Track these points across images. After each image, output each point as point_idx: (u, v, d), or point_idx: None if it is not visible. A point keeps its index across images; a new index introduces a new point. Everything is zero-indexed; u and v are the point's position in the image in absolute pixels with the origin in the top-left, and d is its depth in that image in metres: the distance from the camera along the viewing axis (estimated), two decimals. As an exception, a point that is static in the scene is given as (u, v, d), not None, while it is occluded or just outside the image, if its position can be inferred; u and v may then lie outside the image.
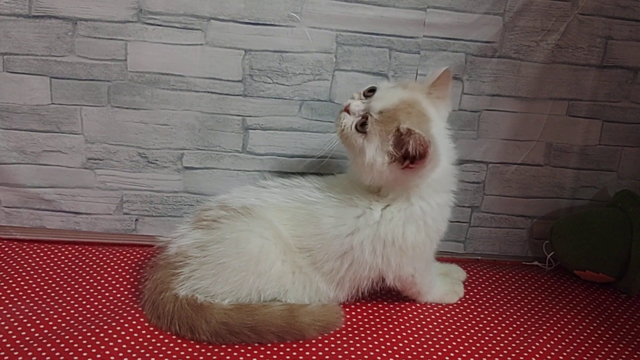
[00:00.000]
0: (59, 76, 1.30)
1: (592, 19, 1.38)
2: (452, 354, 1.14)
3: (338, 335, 1.16)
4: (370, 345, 1.14)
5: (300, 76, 1.35)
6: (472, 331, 1.22)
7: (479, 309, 1.30)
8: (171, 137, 1.37)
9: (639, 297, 1.40)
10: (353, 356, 1.10)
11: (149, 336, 1.10)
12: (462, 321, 1.25)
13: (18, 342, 1.06)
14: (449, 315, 1.27)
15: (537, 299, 1.36)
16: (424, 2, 1.32)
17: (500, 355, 1.14)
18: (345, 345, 1.13)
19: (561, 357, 1.15)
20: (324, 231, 1.17)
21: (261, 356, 1.08)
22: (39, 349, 1.04)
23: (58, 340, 1.06)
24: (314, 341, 1.13)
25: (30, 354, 1.02)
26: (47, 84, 1.31)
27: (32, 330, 1.09)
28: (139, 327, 1.12)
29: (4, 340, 1.06)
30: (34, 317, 1.13)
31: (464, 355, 1.14)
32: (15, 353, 1.03)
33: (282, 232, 1.18)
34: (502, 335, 1.21)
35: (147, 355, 1.05)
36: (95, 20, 1.27)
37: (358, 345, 1.13)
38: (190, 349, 1.08)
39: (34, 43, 1.28)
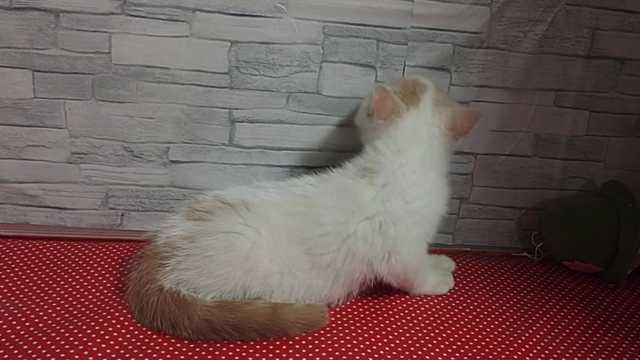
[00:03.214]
0: (41, 69, 1.28)
1: (580, 10, 1.38)
2: (441, 346, 1.14)
3: (323, 332, 1.15)
4: (358, 339, 1.13)
5: (287, 68, 1.34)
6: (462, 323, 1.22)
7: (468, 301, 1.30)
8: (157, 131, 1.36)
9: (627, 286, 1.41)
10: (337, 353, 1.09)
11: (136, 332, 1.09)
12: (451, 313, 1.25)
13: (3, 339, 1.04)
14: (437, 307, 1.27)
15: (526, 290, 1.37)
16: (411, -7, 1.32)
17: (490, 346, 1.14)
18: (329, 342, 1.12)
19: (550, 347, 1.16)
20: (324, 222, 1.18)
21: (243, 354, 1.06)
22: (25, 347, 1.02)
23: (44, 338, 1.05)
24: (297, 338, 1.12)
25: (15, 351, 1.01)
26: (30, 78, 1.29)
27: (17, 327, 1.08)
28: (126, 322, 1.11)
29: (-11, 339, 1.04)
30: (18, 315, 1.11)
31: (454, 347, 1.14)
32: (0, 351, 1.01)
33: (278, 229, 1.17)
34: (492, 326, 1.21)
35: (135, 351, 1.04)
36: (78, 12, 1.25)
37: (343, 341, 1.12)
38: (178, 345, 1.07)
39: (16, 35, 1.25)
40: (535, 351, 1.14)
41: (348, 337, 1.14)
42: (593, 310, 1.30)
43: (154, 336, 1.09)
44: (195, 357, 1.04)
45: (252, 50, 1.32)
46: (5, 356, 1.00)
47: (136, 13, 1.27)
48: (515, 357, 1.12)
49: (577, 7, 1.37)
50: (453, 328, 1.20)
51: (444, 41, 1.36)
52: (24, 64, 1.28)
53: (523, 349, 1.14)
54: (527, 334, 1.19)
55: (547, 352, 1.14)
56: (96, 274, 1.27)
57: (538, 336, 1.19)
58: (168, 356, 1.04)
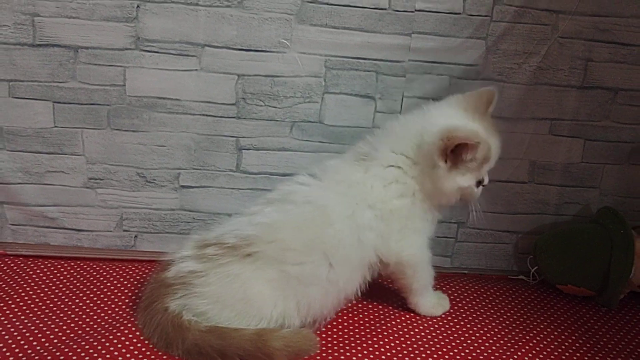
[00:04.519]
0: (61, 101, 1.37)
1: (573, 42, 1.42)
2: None
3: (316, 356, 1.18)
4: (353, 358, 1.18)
5: (291, 99, 1.41)
6: (455, 343, 1.26)
7: (462, 322, 1.34)
8: (168, 158, 1.43)
9: (619, 310, 1.44)
10: None
11: (143, 349, 1.15)
12: (446, 334, 1.29)
13: (20, 354, 1.12)
14: (431, 328, 1.31)
15: (520, 312, 1.41)
16: (409, 28, 1.38)
17: None
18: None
19: None
20: (334, 220, 1.21)
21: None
22: (37, 358, 1.10)
23: (57, 352, 1.12)
24: None
25: (30, 364, 1.09)
26: (50, 108, 1.37)
27: (34, 343, 1.15)
28: (134, 340, 1.17)
29: (7, 354, 1.12)
30: (35, 330, 1.19)
31: None
32: (17, 364, 1.09)
33: (286, 253, 1.19)
34: (484, 346, 1.25)
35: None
36: (95, 48, 1.34)
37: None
38: None
39: (38, 70, 1.34)
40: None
41: (339, 357, 1.18)
42: (585, 333, 1.34)
43: (159, 353, 1.15)
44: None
45: (257, 82, 1.39)
46: (22, 369, 1.08)
47: (149, 48, 1.35)
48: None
49: (570, 39, 1.42)
50: (444, 349, 1.24)
51: (441, 73, 1.42)
52: (45, 96, 1.36)
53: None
54: (518, 354, 1.23)
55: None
56: (109, 293, 1.35)
57: (527, 358, 1.23)
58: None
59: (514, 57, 1.42)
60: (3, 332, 1.18)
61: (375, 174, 1.25)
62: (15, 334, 1.18)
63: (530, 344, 1.28)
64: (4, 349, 1.13)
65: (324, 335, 1.25)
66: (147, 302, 1.21)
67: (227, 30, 1.35)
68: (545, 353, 1.25)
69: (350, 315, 1.34)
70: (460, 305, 1.42)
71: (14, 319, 1.22)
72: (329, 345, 1.23)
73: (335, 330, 1.28)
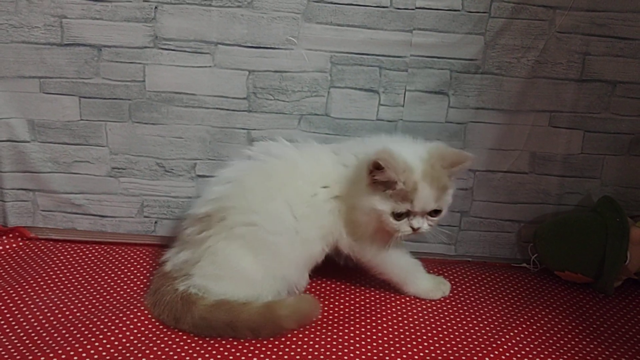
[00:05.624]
0: (87, 96, 1.47)
1: (570, 37, 1.47)
2: (432, 347, 1.24)
3: (317, 329, 1.26)
4: (351, 336, 1.25)
5: (299, 93, 1.49)
6: (451, 323, 1.32)
7: (460, 305, 1.40)
8: (185, 149, 1.53)
9: (616, 297, 1.48)
10: (328, 353, 1.20)
11: (157, 323, 1.25)
12: (443, 315, 1.35)
13: (46, 324, 1.23)
14: (431, 310, 1.37)
15: (518, 297, 1.46)
16: (410, 25, 1.44)
17: (474, 350, 1.23)
18: (324, 337, 1.23)
19: (535, 352, 1.24)
20: (298, 177, 1.32)
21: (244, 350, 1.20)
22: (63, 331, 1.21)
23: (79, 324, 1.23)
24: (293, 337, 1.21)
25: (55, 335, 1.20)
26: (77, 103, 1.48)
27: (59, 316, 1.26)
28: (149, 315, 1.27)
29: (35, 324, 1.23)
30: (61, 305, 1.30)
31: (446, 347, 1.24)
32: (44, 334, 1.20)
33: (256, 202, 1.29)
34: (479, 327, 1.31)
35: (146, 341, 1.20)
36: (117, 46, 1.44)
37: (338, 338, 1.23)
38: (185, 338, 1.21)
39: (66, 67, 1.45)
40: (519, 355, 1.23)
41: (340, 338, 1.24)
42: (579, 317, 1.38)
43: (167, 331, 1.23)
44: (197, 348, 1.18)
45: (267, 78, 1.47)
46: (47, 338, 1.18)
47: (166, 47, 1.44)
48: (504, 357, 1.22)
49: (567, 34, 1.46)
50: (440, 328, 1.30)
51: (441, 68, 1.48)
52: (73, 91, 1.47)
53: (510, 352, 1.23)
54: (511, 334, 1.29)
55: (531, 356, 1.23)
56: (130, 275, 1.44)
57: (519, 338, 1.28)
58: (173, 346, 1.19)
59: (513, 52, 1.47)
60: (33, 307, 1.29)
61: (337, 163, 1.35)
62: (43, 307, 1.29)
63: (524, 325, 1.33)
64: (34, 322, 1.24)
65: (325, 313, 1.33)
66: (156, 286, 1.31)
67: (238, 29, 1.43)
68: (536, 335, 1.30)
69: (352, 295, 1.41)
70: (460, 289, 1.47)
71: (43, 296, 1.34)
72: (329, 323, 1.29)
73: (336, 309, 1.35)
